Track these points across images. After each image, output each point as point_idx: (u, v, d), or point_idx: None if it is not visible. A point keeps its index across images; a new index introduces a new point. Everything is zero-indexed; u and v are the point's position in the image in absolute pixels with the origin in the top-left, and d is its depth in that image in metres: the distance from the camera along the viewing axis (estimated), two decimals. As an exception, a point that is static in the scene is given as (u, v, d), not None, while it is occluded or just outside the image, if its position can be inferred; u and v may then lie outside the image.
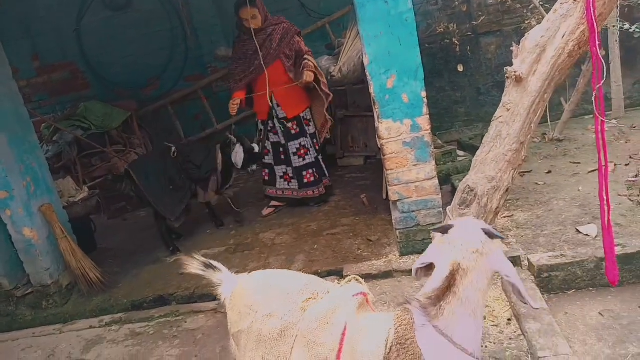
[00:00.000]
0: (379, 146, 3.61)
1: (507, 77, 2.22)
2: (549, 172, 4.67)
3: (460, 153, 5.74)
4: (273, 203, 5.20)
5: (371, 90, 3.37)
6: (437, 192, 3.52)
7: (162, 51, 7.52)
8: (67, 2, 7.22)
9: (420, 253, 3.59)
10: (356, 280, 1.86)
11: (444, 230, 1.65)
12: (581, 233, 3.43)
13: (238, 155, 4.68)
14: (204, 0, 7.20)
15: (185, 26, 7.37)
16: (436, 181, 3.51)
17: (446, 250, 1.58)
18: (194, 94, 7.23)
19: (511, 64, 2.23)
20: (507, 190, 2.23)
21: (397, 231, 3.64)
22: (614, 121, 5.46)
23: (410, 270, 3.37)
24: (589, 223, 3.51)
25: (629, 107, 5.92)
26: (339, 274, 3.58)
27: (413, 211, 3.56)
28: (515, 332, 2.68)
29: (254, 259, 4.23)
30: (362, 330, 1.63)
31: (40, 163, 4.28)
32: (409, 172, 3.48)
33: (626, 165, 4.36)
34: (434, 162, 3.47)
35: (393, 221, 3.66)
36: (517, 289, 1.56)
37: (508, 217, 3.93)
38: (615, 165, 4.39)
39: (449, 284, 1.53)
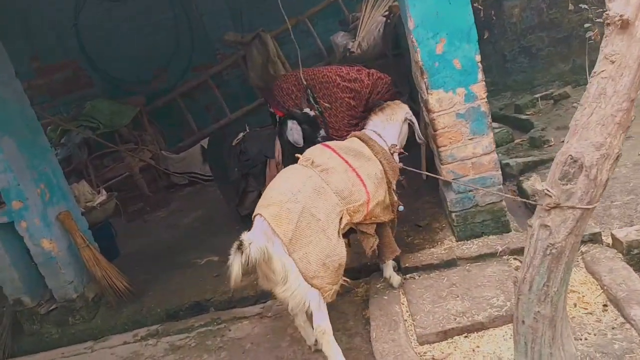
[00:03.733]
0: (427, 121, 3.26)
1: (608, 24, 1.85)
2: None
3: (494, 124, 5.40)
4: None
5: (418, 57, 3.00)
6: (497, 167, 3.16)
7: (166, 41, 7.13)
8: (63, -4, 6.84)
9: (479, 237, 3.27)
10: None
11: None
12: (661, 201, 3.08)
13: (294, 131, 3.84)
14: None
15: (189, 12, 6.97)
16: (495, 155, 3.16)
17: None
18: (204, 84, 6.87)
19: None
20: (617, 158, 1.88)
21: (453, 214, 3.28)
22: None
23: (478, 257, 3.04)
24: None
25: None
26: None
27: (470, 191, 3.20)
28: (615, 319, 2.34)
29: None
30: None
31: (54, 167, 3.94)
32: (465, 148, 3.13)
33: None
34: (492, 134, 3.12)
35: (448, 203, 3.29)
36: None
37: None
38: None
39: None
